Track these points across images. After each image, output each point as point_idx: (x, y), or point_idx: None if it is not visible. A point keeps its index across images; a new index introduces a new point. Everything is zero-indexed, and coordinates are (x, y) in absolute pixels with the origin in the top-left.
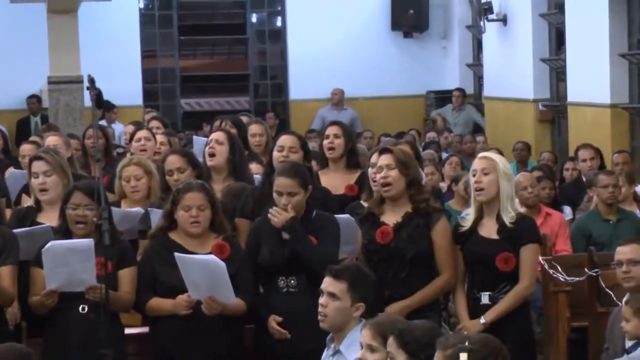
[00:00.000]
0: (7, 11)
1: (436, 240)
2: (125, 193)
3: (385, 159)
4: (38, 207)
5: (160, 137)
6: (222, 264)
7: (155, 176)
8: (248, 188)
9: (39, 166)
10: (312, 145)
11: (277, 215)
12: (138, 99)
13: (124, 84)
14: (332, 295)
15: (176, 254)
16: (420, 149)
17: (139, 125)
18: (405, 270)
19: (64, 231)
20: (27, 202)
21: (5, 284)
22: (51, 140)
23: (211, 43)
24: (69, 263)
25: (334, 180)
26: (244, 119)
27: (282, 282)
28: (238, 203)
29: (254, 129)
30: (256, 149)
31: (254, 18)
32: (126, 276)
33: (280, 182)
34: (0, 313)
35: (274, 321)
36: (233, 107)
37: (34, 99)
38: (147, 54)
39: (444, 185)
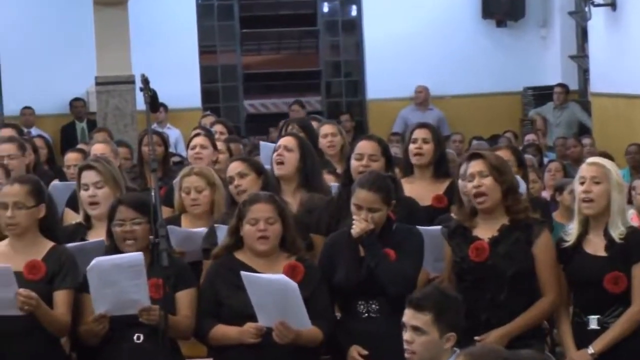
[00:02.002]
0: (49, 5)
1: (538, 256)
2: (185, 206)
3: (476, 166)
4: (88, 224)
5: (219, 145)
6: (294, 285)
7: (219, 188)
8: (324, 200)
9: (89, 177)
10: (394, 151)
11: (357, 224)
12: (196, 101)
13: (179, 84)
14: (416, 329)
15: (243, 273)
16: None
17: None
18: (504, 292)
19: (112, 252)
20: (72, 217)
21: (60, 311)
22: (98, 148)
23: (277, 36)
24: (117, 282)
25: (420, 190)
26: (314, 123)
27: (362, 306)
28: (312, 217)
29: (325, 129)
30: (329, 151)
31: (325, 7)
32: (185, 298)
33: (361, 196)
34: (56, 343)
35: (355, 351)
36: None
37: (80, 103)
38: (206, 50)
39: (545, 195)
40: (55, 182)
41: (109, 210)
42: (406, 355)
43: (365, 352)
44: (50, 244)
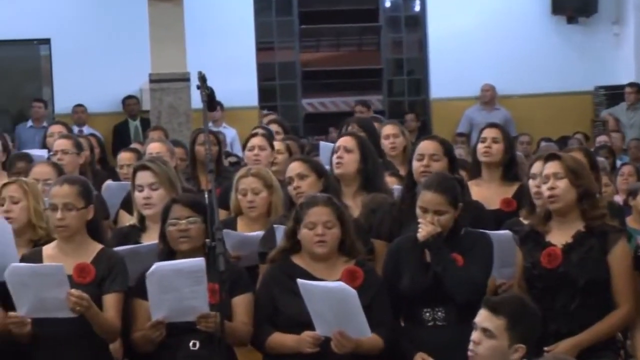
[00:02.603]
0: (103, 0)
1: (613, 265)
2: (241, 209)
3: (552, 167)
4: (142, 225)
5: (277, 144)
6: (353, 292)
7: (277, 190)
8: (387, 200)
9: (144, 177)
10: (459, 152)
11: (424, 227)
12: (252, 99)
13: (235, 82)
14: (486, 331)
15: (299, 281)
16: None
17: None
18: (575, 301)
19: (166, 255)
20: (127, 219)
21: (109, 315)
22: (154, 147)
23: (337, 32)
24: (177, 288)
25: (488, 193)
26: (376, 123)
27: (427, 314)
28: (374, 220)
29: (387, 129)
30: (391, 152)
31: (387, 2)
32: (241, 304)
33: (427, 198)
34: (105, 348)
35: (420, 358)
36: None
37: (133, 100)
38: (263, 47)
39: (618, 199)
40: (109, 182)
41: (162, 211)
42: (469, 354)
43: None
44: (98, 247)
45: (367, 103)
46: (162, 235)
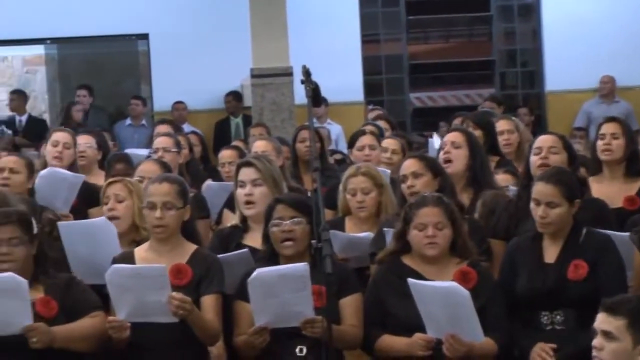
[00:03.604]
0: None
1: None
2: (350, 209)
3: None
4: (244, 226)
5: (391, 143)
6: (467, 293)
7: (387, 190)
8: (503, 201)
9: (247, 174)
10: (577, 148)
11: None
12: (358, 94)
13: (340, 76)
14: (607, 334)
15: (410, 281)
16: None
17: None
18: None
19: (268, 257)
20: (230, 218)
21: (209, 317)
22: (259, 145)
23: (446, 23)
24: (280, 293)
25: (610, 190)
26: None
27: (545, 317)
28: (491, 220)
29: (501, 125)
30: (505, 149)
31: None
32: (350, 306)
33: (540, 189)
34: (205, 354)
35: (539, 356)
36: (475, 101)
37: (234, 97)
38: (369, 39)
39: None
40: (210, 182)
41: (265, 211)
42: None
43: (553, 346)
44: (193, 247)
45: (498, 98)
46: (265, 237)
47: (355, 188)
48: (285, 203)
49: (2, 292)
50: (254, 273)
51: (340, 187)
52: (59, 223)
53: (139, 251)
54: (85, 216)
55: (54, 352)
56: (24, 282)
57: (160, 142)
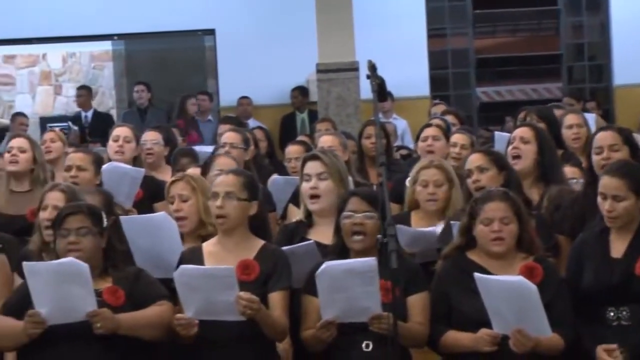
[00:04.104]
0: None
1: None
2: (418, 202)
3: None
4: (309, 221)
5: (460, 138)
6: (534, 288)
7: (457, 185)
8: (569, 197)
9: (313, 167)
10: None
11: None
12: (423, 89)
13: (406, 71)
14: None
15: (476, 275)
16: None
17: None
18: None
19: (339, 251)
20: (296, 213)
21: (277, 314)
22: (325, 140)
23: (513, 17)
24: (348, 288)
25: None
26: (557, 112)
27: (611, 313)
28: (557, 215)
29: (570, 119)
30: (573, 144)
31: None
32: (417, 304)
33: (605, 183)
34: (272, 350)
35: (604, 352)
36: (541, 95)
37: (300, 92)
38: (435, 33)
39: None
40: (275, 177)
41: (339, 203)
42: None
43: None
44: (260, 242)
45: (578, 94)
46: (337, 229)
47: (427, 180)
48: (359, 196)
49: (65, 277)
50: (322, 266)
51: (409, 179)
52: (121, 217)
53: (207, 246)
54: (150, 211)
55: (121, 341)
56: (84, 266)
57: (228, 137)
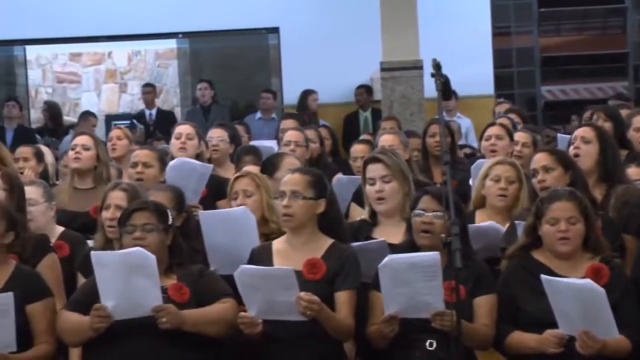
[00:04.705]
0: None
1: None
2: (484, 200)
3: None
4: (373, 220)
5: (522, 136)
6: (602, 291)
7: (524, 185)
8: (636, 196)
9: (376, 170)
10: None
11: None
12: (488, 87)
13: (470, 69)
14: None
15: (543, 277)
16: None
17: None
18: None
19: (409, 247)
20: (358, 212)
21: (342, 314)
22: (386, 139)
23: (579, 15)
24: (410, 282)
25: None
26: (624, 112)
27: None
28: (623, 215)
29: (638, 121)
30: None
31: None
32: (484, 305)
33: None
34: (339, 347)
35: None
36: (607, 94)
37: (363, 90)
38: (499, 32)
39: None
40: (340, 176)
41: (412, 201)
42: None
43: None
44: (329, 241)
45: (625, 95)
46: (408, 225)
47: (500, 175)
48: (431, 195)
49: (131, 268)
50: (385, 259)
51: (479, 176)
52: (200, 212)
53: (276, 244)
54: (213, 208)
55: (184, 337)
56: (151, 256)
57: (290, 135)
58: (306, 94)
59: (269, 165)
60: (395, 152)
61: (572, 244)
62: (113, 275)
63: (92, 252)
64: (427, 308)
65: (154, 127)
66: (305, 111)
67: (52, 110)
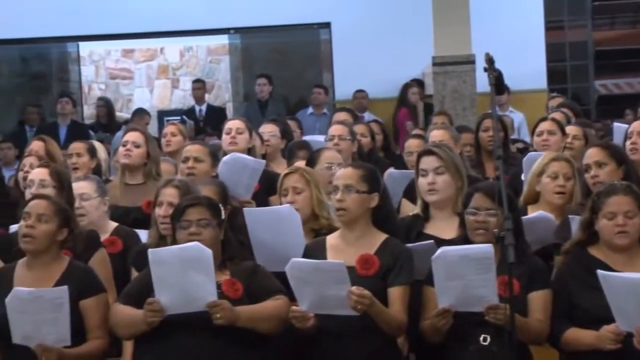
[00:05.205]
0: None
1: None
2: (537, 196)
3: None
4: (425, 215)
5: (573, 130)
6: None
7: (577, 180)
8: None
9: (429, 162)
10: None
11: None
12: (540, 81)
13: (522, 63)
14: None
15: (599, 272)
16: None
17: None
18: None
19: (462, 242)
20: (409, 209)
21: (395, 309)
22: (436, 135)
23: (633, 8)
24: (463, 275)
25: None
26: None
27: None
28: None
29: None
30: None
31: None
32: (538, 300)
33: None
34: (392, 342)
35: None
36: None
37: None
38: (552, 25)
39: None
40: (391, 170)
41: (464, 197)
42: None
43: None
44: (383, 236)
45: None
46: (461, 221)
47: (557, 172)
48: (483, 192)
49: (188, 263)
50: (438, 251)
51: (533, 172)
52: (245, 209)
53: (330, 239)
54: (266, 203)
55: (237, 333)
56: (208, 251)
57: (335, 130)
58: (407, 87)
59: (309, 160)
60: (450, 146)
61: (629, 237)
62: (169, 270)
63: (149, 250)
64: (481, 301)
65: (204, 123)
66: (406, 104)
67: (109, 106)
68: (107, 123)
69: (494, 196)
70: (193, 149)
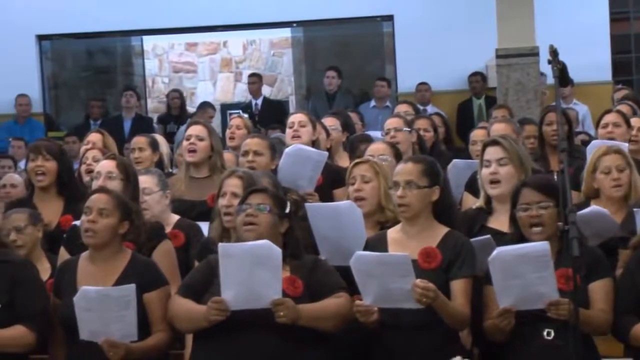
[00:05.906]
0: None
1: None
2: (596, 191)
3: None
4: (488, 208)
5: (635, 120)
6: None
7: (633, 168)
8: None
9: (493, 152)
10: None
11: None
12: (605, 74)
13: (587, 55)
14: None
15: None
16: None
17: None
18: None
19: (517, 240)
20: (470, 202)
21: (458, 302)
22: (497, 128)
23: None
24: (522, 274)
25: None
26: None
27: None
28: None
29: None
30: None
31: None
32: (599, 290)
33: None
34: (455, 337)
35: None
36: None
37: (478, 77)
38: (618, 17)
39: None
40: (456, 161)
41: (512, 194)
42: None
43: None
44: (444, 230)
45: None
46: (513, 219)
47: (609, 166)
48: (531, 186)
49: (256, 260)
50: (494, 252)
51: (587, 168)
52: (307, 205)
53: (392, 232)
54: (329, 196)
55: (298, 331)
56: (278, 250)
57: (390, 123)
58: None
59: (353, 151)
60: (515, 138)
61: None
62: (238, 266)
63: (220, 245)
64: (541, 298)
65: (260, 117)
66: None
67: (182, 98)
68: (180, 114)
69: (542, 188)
70: (253, 143)
